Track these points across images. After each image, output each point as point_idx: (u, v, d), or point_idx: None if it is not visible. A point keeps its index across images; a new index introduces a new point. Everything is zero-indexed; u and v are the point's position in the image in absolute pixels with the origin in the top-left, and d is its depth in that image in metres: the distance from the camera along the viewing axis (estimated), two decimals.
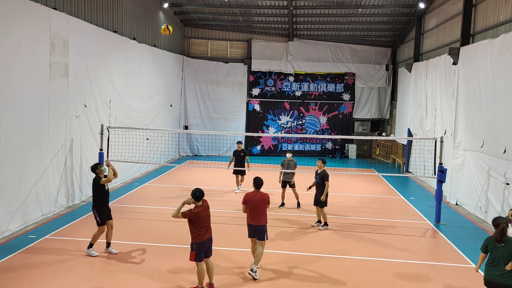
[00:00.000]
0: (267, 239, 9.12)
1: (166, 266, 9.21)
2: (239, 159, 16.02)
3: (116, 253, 9.81)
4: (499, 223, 6.87)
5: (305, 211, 13.72)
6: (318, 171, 12.10)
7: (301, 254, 10.08)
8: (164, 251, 10.10)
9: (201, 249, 7.89)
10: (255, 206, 8.94)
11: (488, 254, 6.96)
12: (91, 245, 9.77)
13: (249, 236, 9.15)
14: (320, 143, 26.68)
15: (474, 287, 8.72)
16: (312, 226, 12.28)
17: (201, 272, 7.96)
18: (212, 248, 8.23)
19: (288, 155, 14.26)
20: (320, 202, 11.99)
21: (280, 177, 14.19)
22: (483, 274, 7.18)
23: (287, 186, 14.17)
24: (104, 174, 9.96)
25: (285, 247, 10.52)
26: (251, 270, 8.70)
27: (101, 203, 9.80)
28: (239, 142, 16.66)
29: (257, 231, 8.99)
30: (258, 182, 9.14)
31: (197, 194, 7.96)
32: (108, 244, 9.94)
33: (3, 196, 10.58)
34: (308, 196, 13.59)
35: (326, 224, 12.17)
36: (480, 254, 7.11)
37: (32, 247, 10.03)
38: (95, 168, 10.00)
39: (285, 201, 14.29)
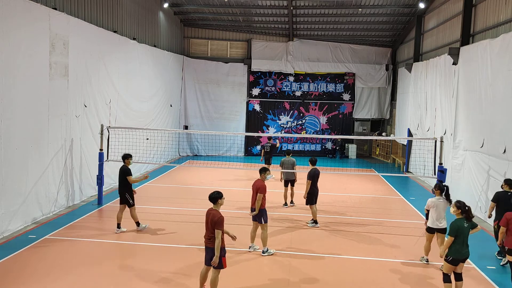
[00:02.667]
0: (263, 222, 10.14)
1: (167, 266, 9.20)
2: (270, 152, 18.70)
3: (124, 231, 11.29)
4: (463, 204, 7.76)
5: (306, 210, 13.70)
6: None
7: (300, 254, 10.07)
8: (165, 251, 10.10)
9: (205, 252, 7.77)
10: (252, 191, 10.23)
11: (459, 237, 7.64)
12: (138, 224, 11.37)
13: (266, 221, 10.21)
14: (320, 143, 26.69)
15: (474, 287, 8.72)
16: (306, 223, 12.52)
17: (200, 274, 7.93)
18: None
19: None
20: (306, 200, 12.39)
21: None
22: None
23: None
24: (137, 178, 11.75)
25: (285, 247, 10.51)
26: (262, 251, 9.97)
27: (130, 188, 11.29)
28: (270, 138, 19.59)
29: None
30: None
31: (211, 196, 7.62)
32: (119, 225, 11.37)
33: (3, 196, 10.58)
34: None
35: (314, 221, 12.37)
36: (449, 239, 7.68)
37: (32, 247, 10.04)
38: (125, 158, 11.38)
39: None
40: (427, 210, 9.59)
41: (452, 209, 7.93)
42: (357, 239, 11.37)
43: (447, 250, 7.74)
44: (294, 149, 26.16)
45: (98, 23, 15.24)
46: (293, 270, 9.22)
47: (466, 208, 7.78)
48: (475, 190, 13.80)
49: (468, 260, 9.95)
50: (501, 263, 9.68)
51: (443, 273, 7.91)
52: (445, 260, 7.78)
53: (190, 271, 8.71)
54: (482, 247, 10.98)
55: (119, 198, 11.44)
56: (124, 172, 11.20)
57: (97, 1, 15.26)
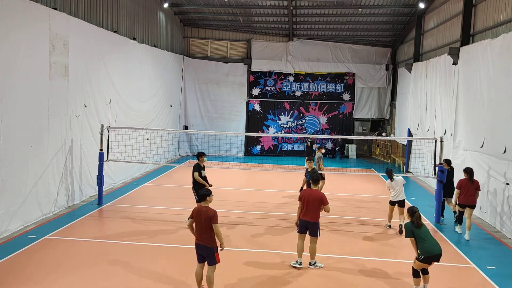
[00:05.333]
0: (319, 235, 9.44)
1: (166, 266, 9.21)
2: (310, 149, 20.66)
3: None
4: (415, 211, 8.17)
5: None
6: (309, 169, 12.57)
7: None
8: (164, 252, 10.10)
9: (197, 250, 7.91)
10: (310, 202, 9.22)
11: (416, 237, 8.02)
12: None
13: (298, 231, 9.43)
14: (320, 143, 26.69)
15: (474, 287, 8.73)
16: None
17: (195, 273, 7.97)
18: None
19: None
20: None
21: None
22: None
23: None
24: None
25: (286, 247, 10.50)
26: (310, 263, 9.34)
27: (198, 185, 11.67)
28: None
29: (310, 227, 9.29)
30: (315, 178, 9.55)
31: (200, 193, 7.93)
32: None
33: (3, 196, 10.57)
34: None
35: None
36: (410, 241, 8.13)
37: (32, 247, 10.03)
38: (199, 156, 12.05)
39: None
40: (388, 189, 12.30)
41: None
42: (357, 239, 11.37)
43: (417, 250, 8.09)
44: (294, 149, 26.19)
45: (98, 23, 15.23)
46: (292, 270, 9.21)
47: (414, 213, 8.15)
48: None
49: (468, 260, 10.01)
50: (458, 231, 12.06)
51: (413, 268, 8.18)
52: (417, 259, 8.04)
53: (190, 270, 8.70)
54: (482, 247, 11.00)
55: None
56: (192, 169, 12.01)
57: (97, 1, 15.26)
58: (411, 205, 8.58)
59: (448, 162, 13.05)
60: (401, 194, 11.93)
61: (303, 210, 9.27)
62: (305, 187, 14.68)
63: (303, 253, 9.40)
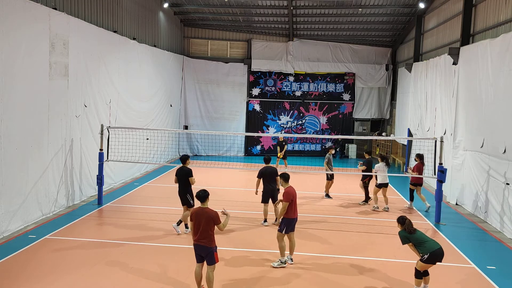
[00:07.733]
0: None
1: (166, 266, 9.21)
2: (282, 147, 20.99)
3: (179, 233, 11.26)
4: (405, 219, 8.32)
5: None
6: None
7: (300, 254, 10.05)
8: (164, 252, 10.10)
9: (195, 250, 7.93)
10: (295, 199, 9.44)
11: (413, 241, 8.15)
12: (180, 223, 11.35)
13: (290, 230, 9.49)
14: (320, 143, 26.69)
15: (474, 287, 8.73)
16: (262, 224, 12.27)
17: (195, 273, 7.98)
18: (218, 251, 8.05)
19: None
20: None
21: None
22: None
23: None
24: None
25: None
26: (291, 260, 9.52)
27: (191, 189, 11.25)
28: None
29: (295, 224, 9.54)
30: (287, 176, 9.64)
31: (199, 194, 7.95)
32: (184, 224, 11.51)
33: (3, 196, 10.57)
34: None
35: (265, 220, 12.22)
36: (409, 246, 8.24)
37: (32, 247, 10.04)
38: (185, 159, 11.56)
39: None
40: (375, 172, 14.18)
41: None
42: (357, 239, 11.37)
43: (418, 253, 8.14)
44: (294, 149, 26.19)
45: (98, 23, 15.23)
46: (291, 270, 9.21)
47: (405, 221, 8.30)
48: (475, 190, 13.80)
49: (468, 260, 10.02)
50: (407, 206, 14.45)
51: (416, 269, 8.22)
52: (420, 260, 8.09)
53: (189, 270, 8.70)
54: (482, 247, 11.00)
55: (180, 200, 11.40)
56: (188, 174, 11.33)
57: (97, 1, 15.26)
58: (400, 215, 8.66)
59: (369, 152, 15.09)
60: (387, 178, 14.07)
61: (293, 208, 9.39)
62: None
63: (285, 251, 9.64)
